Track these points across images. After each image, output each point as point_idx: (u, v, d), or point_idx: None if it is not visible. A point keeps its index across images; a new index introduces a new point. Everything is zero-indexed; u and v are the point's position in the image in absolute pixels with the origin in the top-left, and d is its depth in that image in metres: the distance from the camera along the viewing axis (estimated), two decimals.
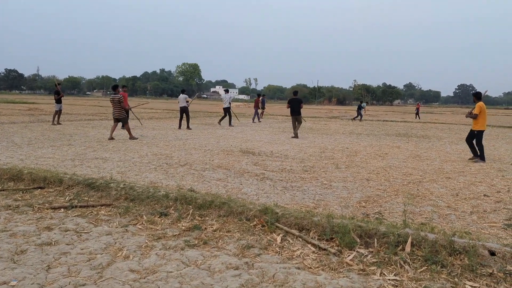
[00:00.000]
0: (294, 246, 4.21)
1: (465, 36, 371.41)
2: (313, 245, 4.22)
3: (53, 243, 4.19)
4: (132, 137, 12.85)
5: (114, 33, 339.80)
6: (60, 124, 17.61)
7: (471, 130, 10.35)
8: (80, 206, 5.43)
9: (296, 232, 4.48)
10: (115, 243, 4.23)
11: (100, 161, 8.55)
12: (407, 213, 5.29)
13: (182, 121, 17.98)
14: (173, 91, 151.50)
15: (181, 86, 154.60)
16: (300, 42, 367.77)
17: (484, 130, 10.18)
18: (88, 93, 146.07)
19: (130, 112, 15.77)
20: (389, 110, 67.53)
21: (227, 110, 20.19)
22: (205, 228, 4.68)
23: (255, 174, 7.66)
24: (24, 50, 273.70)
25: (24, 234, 4.41)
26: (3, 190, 6.09)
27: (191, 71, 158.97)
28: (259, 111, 25.69)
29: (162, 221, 4.95)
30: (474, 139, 10.20)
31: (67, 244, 4.15)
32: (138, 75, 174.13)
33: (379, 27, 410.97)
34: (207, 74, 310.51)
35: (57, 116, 17.69)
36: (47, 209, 5.33)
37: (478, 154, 10.10)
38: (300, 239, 4.38)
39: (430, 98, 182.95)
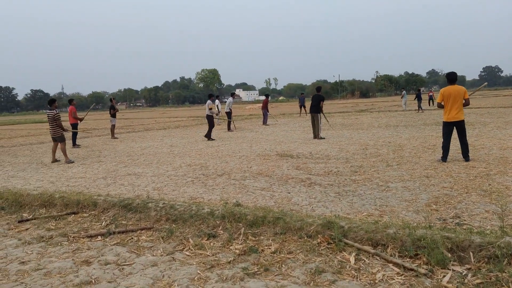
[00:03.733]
0: (373, 267, 3.54)
1: (485, 11, 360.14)
2: (395, 264, 3.54)
3: (93, 281, 3.65)
4: (67, 160, 10.74)
5: (132, 45, 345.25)
6: (116, 138, 17.83)
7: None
8: (119, 232, 4.91)
9: (370, 249, 3.81)
10: (163, 276, 3.67)
11: (133, 178, 8.07)
12: (492, 215, 4.56)
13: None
14: (195, 98, 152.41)
15: (202, 92, 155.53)
16: (318, 37, 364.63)
17: (447, 122, 8.02)
18: None
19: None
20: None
21: (228, 115, 19.54)
22: (262, 250, 4.07)
23: (301, 180, 7.01)
24: (47, 70, 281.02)
25: (60, 271, 3.89)
26: (35, 219, 5.64)
27: (211, 76, 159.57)
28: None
29: (211, 244, 4.36)
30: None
31: (109, 282, 3.61)
32: (160, 85, 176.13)
33: (396, 11, 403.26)
34: (227, 78, 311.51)
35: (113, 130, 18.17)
36: (83, 237, 4.84)
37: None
38: (377, 258, 3.70)
39: None
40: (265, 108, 22.80)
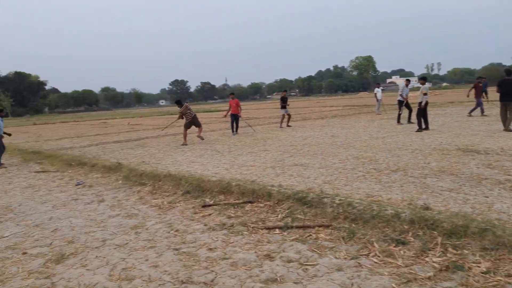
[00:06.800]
0: None
1: None
2: None
3: (278, 279, 3.51)
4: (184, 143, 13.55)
5: (285, 36, 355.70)
6: (289, 126, 18.35)
7: None
8: (296, 227, 4.75)
9: None
10: (352, 285, 3.32)
11: (300, 168, 7.95)
12: None
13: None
14: (348, 86, 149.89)
15: (356, 81, 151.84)
16: (487, 15, 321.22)
17: None
18: (268, 96, 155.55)
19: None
20: None
21: (401, 104, 16.43)
22: (470, 268, 3.40)
23: (498, 182, 5.91)
24: (214, 65, 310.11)
25: (245, 263, 3.87)
26: (216, 205, 5.89)
27: (365, 64, 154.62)
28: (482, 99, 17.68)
29: (402, 252, 3.85)
30: None
31: (295, 283, 3.42)
32: (313, 74, 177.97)
33: None
34: (382, 65, 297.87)
35: (286, 119, 18.75)
36: (262, 229, 4.81)
37: None
38: None
39: None
40: (479, 95, 17.76)
